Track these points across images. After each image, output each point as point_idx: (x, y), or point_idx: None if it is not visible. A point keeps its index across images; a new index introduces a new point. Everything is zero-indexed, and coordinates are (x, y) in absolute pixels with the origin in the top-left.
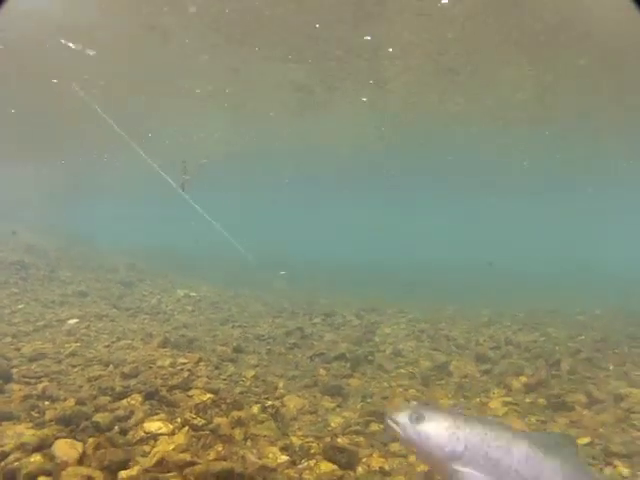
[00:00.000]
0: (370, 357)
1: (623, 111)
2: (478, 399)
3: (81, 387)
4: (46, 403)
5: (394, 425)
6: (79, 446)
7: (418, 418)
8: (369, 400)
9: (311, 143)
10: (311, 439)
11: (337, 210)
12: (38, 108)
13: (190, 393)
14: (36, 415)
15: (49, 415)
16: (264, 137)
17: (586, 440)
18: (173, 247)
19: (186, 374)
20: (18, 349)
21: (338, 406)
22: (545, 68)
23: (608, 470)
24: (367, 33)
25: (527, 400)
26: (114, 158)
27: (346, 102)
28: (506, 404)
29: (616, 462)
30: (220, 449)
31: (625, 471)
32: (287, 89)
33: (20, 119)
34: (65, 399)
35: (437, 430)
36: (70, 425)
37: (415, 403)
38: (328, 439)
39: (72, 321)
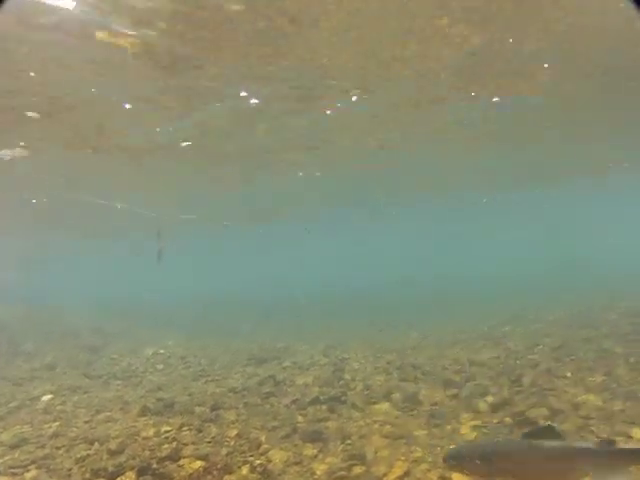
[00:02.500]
0: (343, 397)
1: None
2: (449, 426)
3: (70, 470)
4: None
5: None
6: None
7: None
8: (349, 442)
9: None
10: None
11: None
12: None
13: (181, 463)
14: None
15: None
16: None
17: None
18: (132, 301)
19: (174, 444)
20: None
21: (320, 451)
22: None
23: None
24: None
25: (494, 421)
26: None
27: None
28: (475, 428)
29: None
30: None
31: None
32: None
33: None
34: None
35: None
36: None
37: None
38: None
39: (46, 397)
